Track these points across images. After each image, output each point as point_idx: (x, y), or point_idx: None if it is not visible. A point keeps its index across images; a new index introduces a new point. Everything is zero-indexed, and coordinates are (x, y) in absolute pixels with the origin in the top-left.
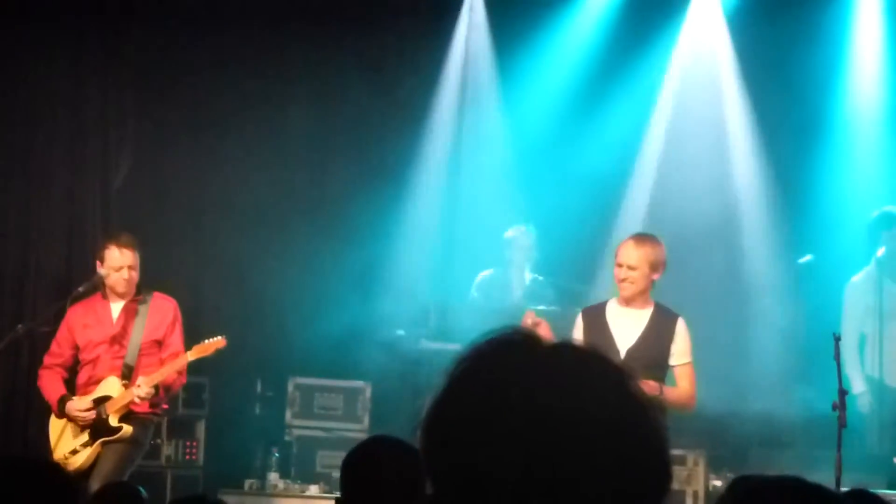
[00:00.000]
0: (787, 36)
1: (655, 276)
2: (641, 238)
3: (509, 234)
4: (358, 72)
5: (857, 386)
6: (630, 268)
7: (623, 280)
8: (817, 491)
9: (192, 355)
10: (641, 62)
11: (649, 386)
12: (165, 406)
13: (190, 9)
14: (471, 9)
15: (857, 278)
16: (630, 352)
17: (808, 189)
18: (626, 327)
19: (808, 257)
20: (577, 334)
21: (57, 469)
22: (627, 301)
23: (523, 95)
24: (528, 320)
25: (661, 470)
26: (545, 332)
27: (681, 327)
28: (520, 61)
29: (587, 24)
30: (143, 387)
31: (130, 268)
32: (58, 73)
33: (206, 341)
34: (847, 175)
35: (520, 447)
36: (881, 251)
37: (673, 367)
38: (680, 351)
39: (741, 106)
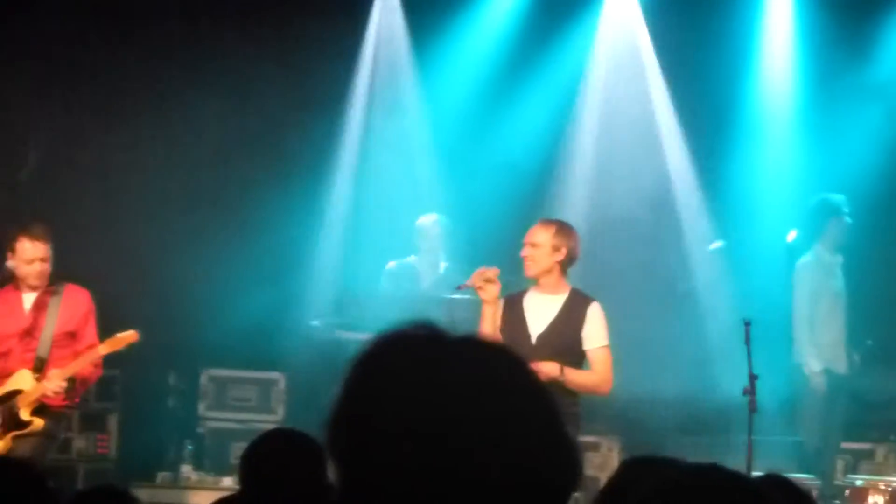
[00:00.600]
0: (702, 25)
1: (558, 257)
2: (548, 221)
3: (420, 222)
4: (270, 59)
5: (814, 365)
6: (532, 245)
7: (525, 257)
8: (728, 474)
9: (104, 349)
10: (561, 49)
11: (549, 367)
12: (78, 400)
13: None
14: None
15: (807, 261)
16: (541, 336)
17: (723, 177)
18: (540, 312)
19: (718, 244)
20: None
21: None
22: (540, 285)
23: (440, 83)
24: (484, 274)
25: (567, 460)
26: (494, 278)
27: (593, 311)
28: (436, 48)
29: (504, 8)
30: (54, 380)
31: (42, 260)
32: None
33: (119, 335)
34: (759, 163)
35: (422, 442)
36: (791, 235)
37: (587, 350)
38: (592, 335)
39: (660, 95)
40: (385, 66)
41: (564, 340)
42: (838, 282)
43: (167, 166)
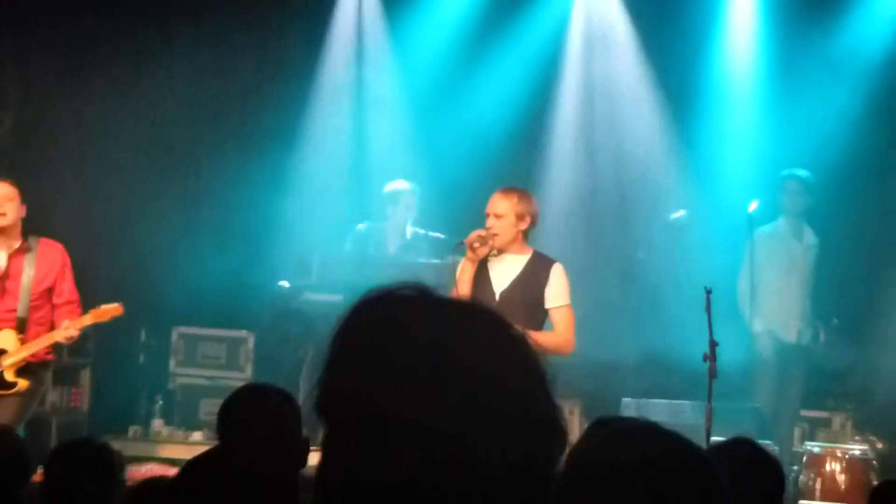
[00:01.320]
0: (672, 4)
1: (523, 226)
2: (508, 189)
3: (389, 188)
4: (243, 22)
5: (757, 325)
6: (496, 216)
7: (492, 231)
8: (665, 434)
9: (88, 319)
10: (537, 17)
11: None
12: (52, 356)
13: None
14: None
15: (765, 229)
16: (503, 293)
17: (688, 149)
18: (503, 272)
19: (680, 212)
20: (462, 287)
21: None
22: (500, 248)
23: (413, 48)
24: (481, 234)
25: (553, 420)
26: (487, 239)
27: (556, 271)
28: (410, 11)
29: None
30: (70, 329)
31: (8, 199)
32: None
33: (104, 306)
34: (723, 137)
35: (411, 395)
36: (753, 205)
37: (549, 309)
38: (554, 294)
39: (630, 68)
40: (357, 31)
41: (526, 297)
42: (800, 256)
43: (138, 127)
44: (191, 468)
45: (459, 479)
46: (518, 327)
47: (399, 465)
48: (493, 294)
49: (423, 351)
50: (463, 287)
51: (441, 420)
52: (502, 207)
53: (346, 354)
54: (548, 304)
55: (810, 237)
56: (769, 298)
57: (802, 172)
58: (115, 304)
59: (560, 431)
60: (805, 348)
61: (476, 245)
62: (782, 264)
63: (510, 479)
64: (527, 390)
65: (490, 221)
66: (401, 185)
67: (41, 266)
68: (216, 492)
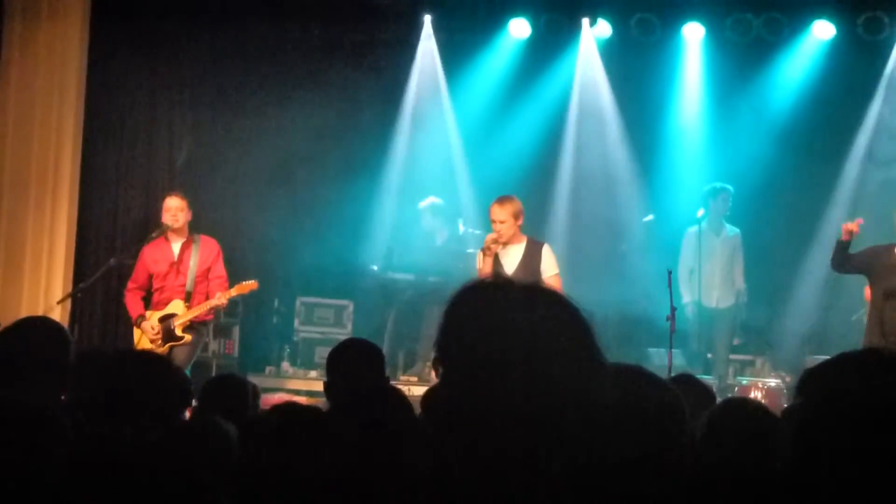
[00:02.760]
0: (642, 62)
1: (519, 223)
2: (502, 199)
3: (426, 202)
4: (346, 73)
5: (685, 297)
6: (501, 222)
7: (498, 232)
8: (648, 373)
9: (234, 291)
10: (551, 77)
11: None
12: (212, 316)
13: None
14: (427, 36)
15: (692, 229)
16: (513, 274)
17: (655, 170)
18: (510, 258)
19: (650, 217)
20: (480, 264)
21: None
22: (505, 242)
23: (466, 100)
24: (490, 238)
25: (600, 358)
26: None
27: (546, 250)
28: (463, 75)
29: (509, 50)
30: (222, 298)
31: (179, 210)
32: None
33: (245, 283)
34: (679, 161)
35: (502, 351)
36: (700, 212)
37: (545, 279)
38: (548, 267)
39: (613, 112)
40: (426, 88)
41: (529, 275)
42: (718, 247)
43: (271, 154)
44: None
45: (525, 399)
46: (563, 295)
47: (484, 391)
48: (506, 275)
49: (502, 322)
50: (486, 270)
51: (521, 368)
52: (502, 214)
53: (457, 323)
54: (544, 276)
55: (729, 232)
56: (696, 277)
57: (727, 185)
58: (253, 281)
59: (600, 359)
60: (725, 311)
61: (491, 246)
62: (703, 253)
63: (560, 399)
64: (581, 343)
65: (496, 227)
66: (433, 199)
67: (202, 253)
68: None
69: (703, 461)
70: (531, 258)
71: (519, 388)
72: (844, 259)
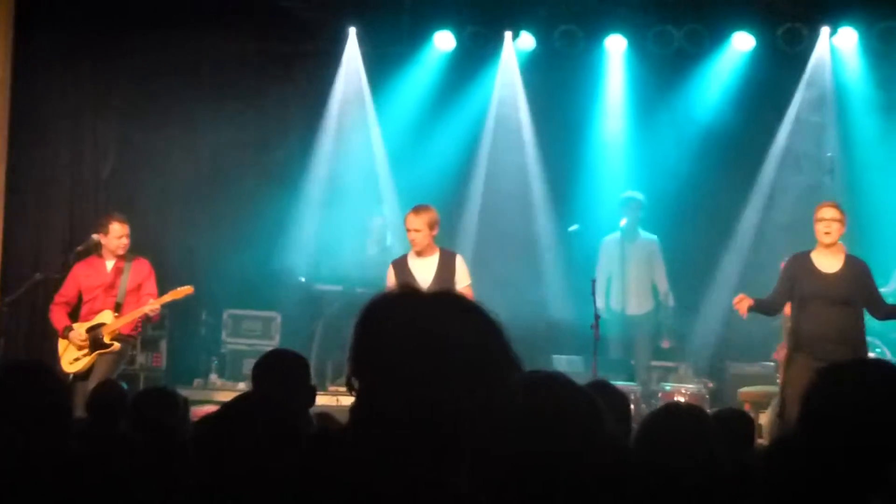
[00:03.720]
0: (563, 75)
1: (434, 232)
2: (418, 208)
3: (374, 219)
4: (270, 89)
5: (599, 302)
6: (416, 230)
7: (412, 240)
8: (564, 378)
9: (167, 297)
10: (473, 90)
11: None
12: (139, 330)
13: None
14: (352, 48)
15: (609, 238)
16: (429, 286)
17: (579, 183)
18: (423, 270)
19: (575, 226)
20: (391, 279)
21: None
22: (419, 252)
23: (391, 110)
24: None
25: (512, 363)
26: None
27: (459, 261)
28: (387, 86)
29: (433, 65)
30: (154, 304)
31: (126, 236)
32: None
33: (179, 288)
34: (602, 173)
35: (407, 360)
36: (623, 221)
37: (458, 289)
38: (461, 278)
39: (529, 124)
40: (350, 99)
41: (444, 287)
42: (633, 254)
43: (197, 165)
44: (232, 405)
45: (441, 407)
46: (476, 303)
47: (401, 401)
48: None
49: (413, 332)
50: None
51: (427, 373)
52: (417, 223)
53: (367, 337)
54: (458, 286)
55: (643, 237)
56: (611, 285)
57: (637, 194)
58: (188, 287)
59: (512, 364)
60: (644, 316)
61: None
62: (620, 261)
63: (474, 405)
64: (485, 346)
65: (410, 235)
66: (378, 218)
67: (134, 273)
68: (252, 424)
69: (640, 462)
70: (446, 269)
71: (432, 395)
72: (774, 307)
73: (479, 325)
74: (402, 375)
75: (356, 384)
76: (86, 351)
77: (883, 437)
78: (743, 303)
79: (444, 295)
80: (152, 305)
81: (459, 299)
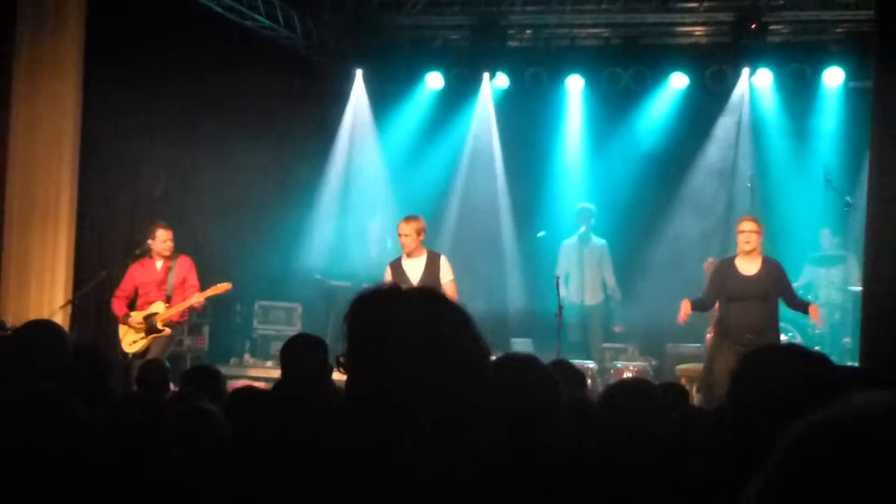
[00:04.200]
0: (534, 107)
1: (422, 238)
2: (408, 217)
3: (373, 223)
4: (291, 116)
5: (562, 292)
6: (405, 235)
7: (403, 244)
8: (528, 357)
9: (210, 292)
10: (457, 121)
11: None
12: (187, 317)
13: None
14: (359, 86)
15: (568, 241)
16: (419, 283)
17: (542, 195)
18: (413, 269)
19: (542, 233)
20: (388, 277)
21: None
22: (409, 254)
23: (391, 137)
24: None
25: (484, 356)
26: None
27: (443, 261)
28: (389, 118)
29: (425, 101)
30: (199, 297)
31: (170, 240)
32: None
33: (219, 284)
34: (562, 185)
35: (401, 346)
36: (582, 229)
37: (442, 284)
38: (444, 274)
39: (499, 149)
40: (359, 128)
41: (432, 283)
42: (586, 255)
43: (232, 182)
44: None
45: (421, 390)
46: (451, 299)
47: (384, 383)
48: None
49: (395, 323)
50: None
51: (406, 359)
52: (407, 230)
53: (352, 329)
54: (442, 282)
55: (595, 242)
56: (569, 280)
57: (588, 205)
58: (227, 283)
59: (482, 354)
60: (595, 307)
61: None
62: (577, 261)
63: (450, 389)
64: (459, 335)
65: (401, 239)
66: (378, 225)
67: (179, 269)
68: (282, 396)
69: (603, 421)
70: (433, 268)
71: (410, 382)
72: (707, 305)
73: (450, 315)
74: (383, 358)
75: (343, 362)
76: (142, 335)
77: (793, 407)
78: (684, 307)
79: (417, 290)
80: (198, 298)
81: (431, 292)
